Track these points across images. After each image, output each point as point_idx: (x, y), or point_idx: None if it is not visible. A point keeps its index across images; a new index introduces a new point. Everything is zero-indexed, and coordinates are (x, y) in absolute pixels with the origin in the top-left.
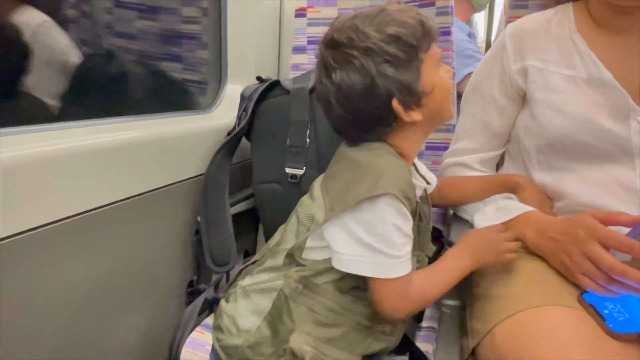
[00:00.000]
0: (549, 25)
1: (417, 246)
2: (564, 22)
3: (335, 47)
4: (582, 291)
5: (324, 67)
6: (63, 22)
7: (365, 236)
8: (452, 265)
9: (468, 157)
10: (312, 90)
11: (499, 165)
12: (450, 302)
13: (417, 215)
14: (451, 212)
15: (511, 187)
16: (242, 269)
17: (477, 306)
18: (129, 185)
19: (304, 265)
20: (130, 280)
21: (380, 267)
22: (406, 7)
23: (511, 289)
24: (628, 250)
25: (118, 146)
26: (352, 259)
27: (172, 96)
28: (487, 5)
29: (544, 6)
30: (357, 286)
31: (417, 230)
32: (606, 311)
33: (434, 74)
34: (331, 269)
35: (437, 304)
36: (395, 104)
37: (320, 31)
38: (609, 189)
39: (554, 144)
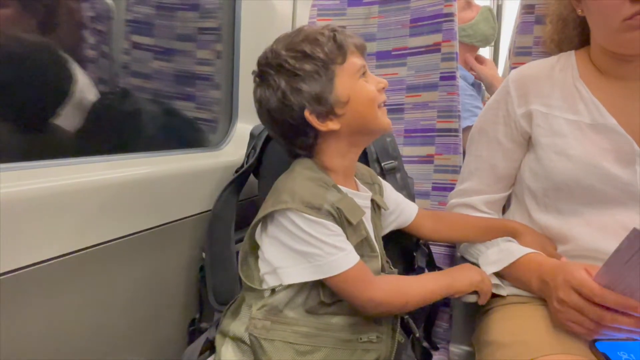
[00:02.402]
0: (552, 71)
1: (366, 262)
2: (567, 69)
3: (258, 68)
4: (594, 339)
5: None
6: (83, 62)
7: (295, 244)
8: (431, 275)
9: (474, 198)
10: None
11: (505, 208)
12: (460, 348)
13: (345, 223)
14: (458, 254)
15: (510, 233)
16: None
17: (487, 353)
18: (137, 221)
19: (265, 298)
20: (131, 318)
21: (323, 267)
22: (324, 26)
23: (521, 336)
24: (600, 301)
25: (127, 182)
26: (293, 268)
27: (184, 134)
28: (492, 42)
29: (547, 53)
30: (323, 301)
31: (362, 244)
32: None
33: (352, 84)
34: (293, 294)
35: (447, 349)
36: (307, 114)
37: None
38: (615, 233)
39: (560, 188)
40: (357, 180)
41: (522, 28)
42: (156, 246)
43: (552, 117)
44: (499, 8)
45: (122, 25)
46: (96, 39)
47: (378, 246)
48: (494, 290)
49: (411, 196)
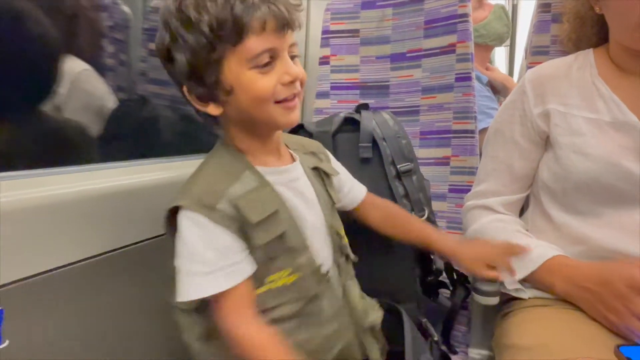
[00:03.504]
0: (570, 70)
1: (287, 259)
2: (585, 67)
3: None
4: (619, 343)
5: None
6: (102, 70)
7: (178, 257)
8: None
9: (491, 199)
10: (335, 134)
11: (523, 208)
12: (480, 352)
13: (246, 222)
14: None
15: (444, 254)
16: None
17: (507, 356)
18: (154, 226)
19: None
20: (140, 326)
21: (190, 287)
22: None
23: (543, 339)
24: None
25: (144, 187)
26: (180, 284)
27: (200, 139)
28: (506, 40)
29: (564, 52)
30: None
31: (280, 240)
32: None
33: (240, 73)
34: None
35: (465, 353)
36: (185, 90)
37: (343, 77)
38: (634, 233)
39: (580, 187)
40: (292, 153)
41: (539, 27)
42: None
43: (570, 116)
44: (514, 7)
45: (139, 34)
46: (115, 47)
47: (327, 222)
48: (515, 293)
49: (427, 199)
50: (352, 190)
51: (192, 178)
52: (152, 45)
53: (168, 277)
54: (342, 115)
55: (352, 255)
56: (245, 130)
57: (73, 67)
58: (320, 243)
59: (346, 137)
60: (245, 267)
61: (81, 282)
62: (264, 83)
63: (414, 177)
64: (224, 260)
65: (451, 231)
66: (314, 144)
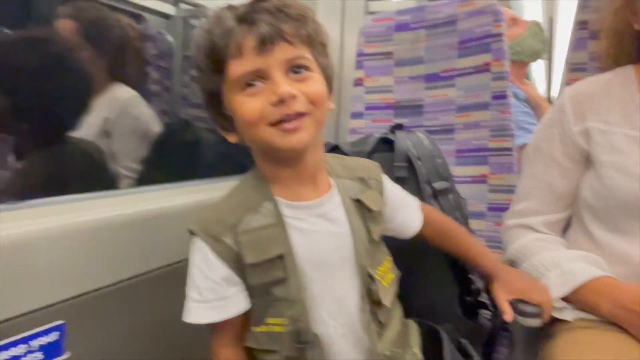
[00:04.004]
0: (609, 87)
1: (283, 308)
2: (625, 84)
3: None
4: None
5: None
6: (148, 96)
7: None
8: None
9: (532, 219)
10: (370, 154)
11: (566, 228)
12: None
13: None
14: None
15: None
16: None
17: None
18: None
19: None
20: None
21: (187, 310)
22: (227, 8)
23: None
24: None
25: (186, 208)
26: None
27: (239, 160)
28: (542, 56)
29: (603, 69)
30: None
31: (278, 286)
32: None
33: (232, 98)
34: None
35: None
36: (211, 119)
37: (377, 98)
38: None
39: (623, 206)
40: (332, 180)
41: (577, 44)
42: None
43: (611, 134)
44: (551, 21)
45: (182, 61)
46: (159, 74)
47: (358, 263)
48: (558, 315)
49: (465, 217)
50: (405, 220)
51: (215, 203)
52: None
53: None
54: (376, 135)
55: (384, 301)
56: (266, 156)
57: (122, 94)
58: (344, 285)
59: (381, 156)
60: (236, 303)
61: (132, 297)
62: (251, 105)
63: (451, 196)
64: (213, 294)
65: (490, 250)
66: (366, 168)
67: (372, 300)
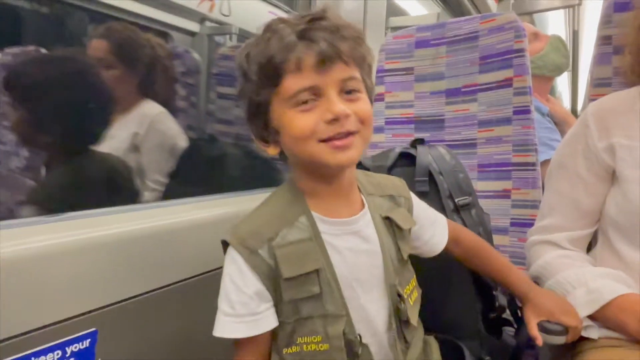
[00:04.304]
0: (634, 102)
1: (319, 325)
2: None
3: None
4: None
5: None
6: (175, 112)
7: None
8: None
9: (556, 235)
10: (390, 168)
11: (591, 244)
12: None
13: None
14: None
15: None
16: None
17: None
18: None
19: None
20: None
21: (219, 324)
22: (286, 24)
23: None
24: None
25: (212, 221)
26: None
27: (262, 173)
28: (565, 70)
29: (627, 84)
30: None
31: (314, 302)
32: None
33: (282, 113)
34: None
35: None
36: (251, 130)
37: (397, 113)
38: None
39: None
40: (364, 198)
41: (600, 59)
42: None
43: (636, 150)
44: (575, 35)
45: (207, 78)
46: (186, 91)
47: (387, 282)
48: (584, 333)
49: (488, 232)
50: (432, 238)
51: (249, 214)
52: (220, 89)
53: None
54: (397, 149)
55: (412, 321)
56: (305, 171)
57: (150, 110)
58: (374, 304)
59: (402, 171)
60: (266, 321)
61: (161, 307)
62: (303, 122)
63: (473, 211)
64: (245, 309)
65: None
66: (395, 186)
67: (399, 319)
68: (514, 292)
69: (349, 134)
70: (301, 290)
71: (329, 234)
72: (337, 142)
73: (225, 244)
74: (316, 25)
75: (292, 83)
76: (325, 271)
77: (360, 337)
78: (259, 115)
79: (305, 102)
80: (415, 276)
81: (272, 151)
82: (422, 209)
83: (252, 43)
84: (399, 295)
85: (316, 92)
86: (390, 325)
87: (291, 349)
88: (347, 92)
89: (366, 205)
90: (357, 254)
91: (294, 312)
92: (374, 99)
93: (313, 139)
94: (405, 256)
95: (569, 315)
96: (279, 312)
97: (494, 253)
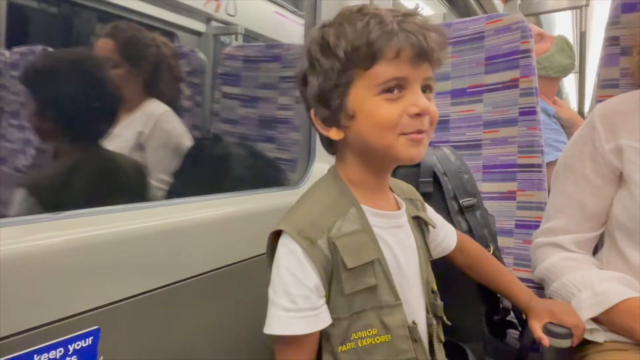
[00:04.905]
0: None
1: (374, 317)
2: None
3: None
4: None
5: None
6: (180, 111)
7: (270, 285)
8: None
9: (562, 237)
10: (395, 168)
11: (597, 247)
12: None
13: (340, 265)
14: (546, 295)
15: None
16: None
17: None
18: (221, 257)
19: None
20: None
21: (273, 320)
22: (383, 12)
23: None
24: None
25: (215, 220)
26: (268, 314)
27: (266, 173)
28: (571, 71)
29: (635, 85)
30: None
31: (370, 294)
32: None
33: (365, 99)
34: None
35: None
36: (312, 113)
37: None
38: None
39: None
40: (396, 197)
41: (607, 60)
42: (243, 280)
43: None
44: (583, 35)
45: (213, 78)
46: (191, 90)
47: (423, 278)
48: (589, 337)
49: (492, 234)
50: (445, 239)
51: (297, 206)
52: (225, 88)
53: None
54: None
55: (445, 318)
56: (361, 160)
57: (156, 109)
58: (416, 300)
59: (406, 172)
60: (325, 316)
61: (164, 305)
62: (389, 110)
63: (478, 213)
64: (307, 303)
65: (518, 268)
66: (411, 190)
67: (435, 315)
68: (516, 301)
69: (422, 131)
70: (359, 282)
71: (378, 227)
72: (416, 136)
73: (276, 235)
74: (417, 21)
75: (385, 70)
76: (379, 262)
77: (416, 324)
78: (334, 95)
79: (391, 92)
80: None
81: (334, 135)
82: (433, 214)
83: (338, 22)
84: (433, 292)
85: (403, 84)
86: (430, 321)
87: (346, 346)
88: (424, 91)
89: (404, 205)
90: (403, 248)
91: (348, 307)
92: None
93: (396, 130)
94: (434, 255)
95: (570, 314)
96: (331, 308)
97: (496, 263)
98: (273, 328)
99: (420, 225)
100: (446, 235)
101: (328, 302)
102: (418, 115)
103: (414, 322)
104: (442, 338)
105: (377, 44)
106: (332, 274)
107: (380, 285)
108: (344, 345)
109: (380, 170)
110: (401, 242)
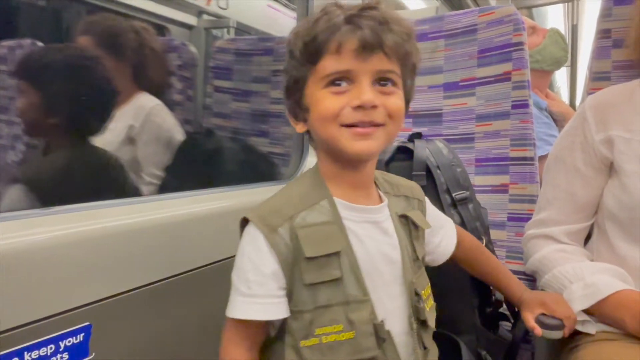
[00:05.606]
0: (633, 95)
1: (340, 312)
2: None
3: None
4: None
5: None
6: (171, 105)
7: (233, 269)
8: None
9: (553, 228)
10: (388, 162)
11: (589, 237)
12: None
13: (301, 255)
14: (539, 286)
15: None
16: None
17: None
18: (213, 251)
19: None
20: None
21: (233, 304)
22: (340, 8)
23: None
24: None
25: (206, 215)
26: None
27: (259, 168)
28: (564, 64)
29: (627, 78)
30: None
31: (334, 287)
32: None
33: (314, 91)
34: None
35: None
36: (286, 106)
37: None
38: None
39: None
40: (381, 194)
41: (599, 53)
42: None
43: (635, 143)
44: (574, 28)
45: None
46: (183, 84)
47: (406, 278)
48: (581, 328)
49: (485, 227)
50: (442, 241)
51: (271, 197)
52: (216, 82)
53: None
54: (395, 144)
55: (430, 322)
56: (327, 154)
57: (146, 102)
58: (392, 301)
59: (399, 165)
60: (281, 307)
61: (156, 301)
62: (331, 102)
63: (470, 206)
64: (262, 289)
65: (511, 261)
66: (409, 187)
67: (418, 319)
68: (508, 294)
69: (373, 124)
70: (322, 273)
71: (350, 220)
72: (358, 129)
73: (243, 223)
74: (366, 13)
75: (329, 64)
76: (346, 255)
77: (383, 322)
78: (295, 91)
79: (338, 85)
80: (430, 285)
81: (300, 128)
82: (434, 214)
83: (303, 22)
84: (417, 294)
85: (349, 77)
86: (411, 325)
87: (309, 341)
88: (382, 85)
89: (385, 200)
90: (377, 244)
91: (312, 300)
92: None
93: (336, 122)
94: (420, 256)
95: (561, 306)
96: (294, 301)
97: (490, 255)
98: (230, 312)
99: (408, 224)
100: (443, 238)
101: (291, 293)
102: (360, 107)
103: (382, 321)
104: (428, 344)
105: (320, 39)
106: (294, 263)
107: (347, 279)
108: (307, 340)
109: (347, 164)
110: (376, 238)
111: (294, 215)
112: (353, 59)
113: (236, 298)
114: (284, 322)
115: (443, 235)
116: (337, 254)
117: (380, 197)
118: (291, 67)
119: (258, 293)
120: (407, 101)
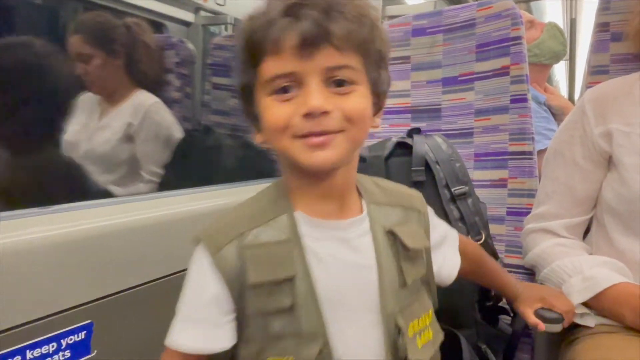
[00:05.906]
0: (633, 89)
1: (291, 344)
2: None
3: None
4: None
5: None
6: (169, 102)
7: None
8: None
9: (553, 222)
10: (387, 158)
11: (588, 230)
12: None
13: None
14: (538, 281)
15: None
16: None
17: None
18: None
19: None
20: None
21: (172, 329)
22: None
23: None
24: None
25: (204, 213)
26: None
27: (258, 165)
28: (563, 57)
29: (626, 71)
30: None
31: (287, 316)
32: None
33: (261, 98)
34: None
35: None
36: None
37: (394, 102)
38: None
39: None
40: (364, 204)
41: (597, 46)
42: None
43: (634, 136)
44: (573, 22)
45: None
46: (181, 81)
47: (384, 307)
48: (580, 321)
49: (484, 222)
50: (443, 265)
51: (226, 211)
52: (215, 79)
53: None
54: (394, 139)
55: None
56: (290, 166)
57: (144, 100)
58: (361, 334)
59: (399, 161)
60: (222, 335)
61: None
62: (277, 113)
63: (469, 200)
64: (202, 314)
65: (510, 255)
66: (409, 196)
67: (397, 358)
68: (506, 293)
69: (328, 133)
70: (271, 300)
71: (311, 237)
72: (313, 140)
73: (195, 241)
74: (307, 1)
75: (269, 67)
76: (301, 281)
77: None
78: (245, 99)
79: (285, 91)
80: (431, 313)
81: (258, 139)
82: (439, 229)
83: (253, 11)
84: (397, 327)
85: (296, 80)
86: None
87: None
88: (337, 84)
89: (364, 212)
90: (343, 266)
91: (262, 329)
92: None
93: (287, 133)
94: (409, 281)
95: (560, 299)
96: (243, 327)
97: (491, 261)
98: (167, 338)
99: (395, 243)
100: (445, 262)
101: (242, 319)
102: (309, 115)
103: None
104: None
105: (256, 37)
106: (242, 287)
107: (301, 308)
108: None
109: (311, 175)
110: (342, 258)
111: (245, 232)
112: (295, 58)
113: (175, 323)
114: (235, 346)
115: (444, 259)
116: (290, 279)
117: (362, 209)
118: (238, 72)
119: (198, 317)
120: (379, 95)
